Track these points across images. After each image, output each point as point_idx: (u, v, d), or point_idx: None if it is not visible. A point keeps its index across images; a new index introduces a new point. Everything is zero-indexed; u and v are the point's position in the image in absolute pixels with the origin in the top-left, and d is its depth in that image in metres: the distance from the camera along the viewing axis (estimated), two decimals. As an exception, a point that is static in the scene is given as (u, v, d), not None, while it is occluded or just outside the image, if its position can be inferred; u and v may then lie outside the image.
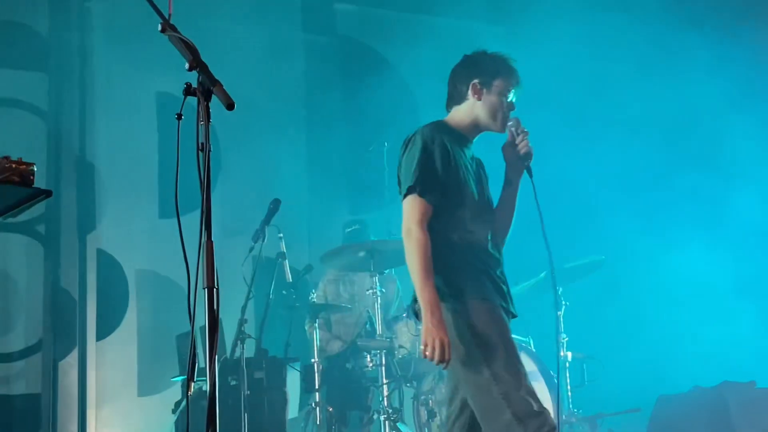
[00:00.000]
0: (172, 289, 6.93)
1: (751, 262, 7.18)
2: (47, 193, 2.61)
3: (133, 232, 7.08)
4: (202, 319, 2.29)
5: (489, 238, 3.60)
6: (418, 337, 5.89)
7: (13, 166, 2.52)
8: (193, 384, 2.37)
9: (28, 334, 6.70)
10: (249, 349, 5.62)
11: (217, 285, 2.30)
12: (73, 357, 6.72)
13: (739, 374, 5.92)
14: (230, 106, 2.29)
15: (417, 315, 3.45)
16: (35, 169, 2.55)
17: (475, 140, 3.75)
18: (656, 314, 7.29)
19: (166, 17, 2.44)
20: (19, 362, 6.67)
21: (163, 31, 2.43)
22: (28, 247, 6.79)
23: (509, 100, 3.67)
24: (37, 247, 6.83)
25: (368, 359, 5.87)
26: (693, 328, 7.06)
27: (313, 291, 6.39)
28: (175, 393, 6.47)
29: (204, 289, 2.29)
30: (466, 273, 3.47)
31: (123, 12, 7.06)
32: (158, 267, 7.05)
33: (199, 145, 2.34)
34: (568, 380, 6.15)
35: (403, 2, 8.22)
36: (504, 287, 3.59)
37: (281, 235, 5.98)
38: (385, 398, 5.67)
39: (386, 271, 6.40)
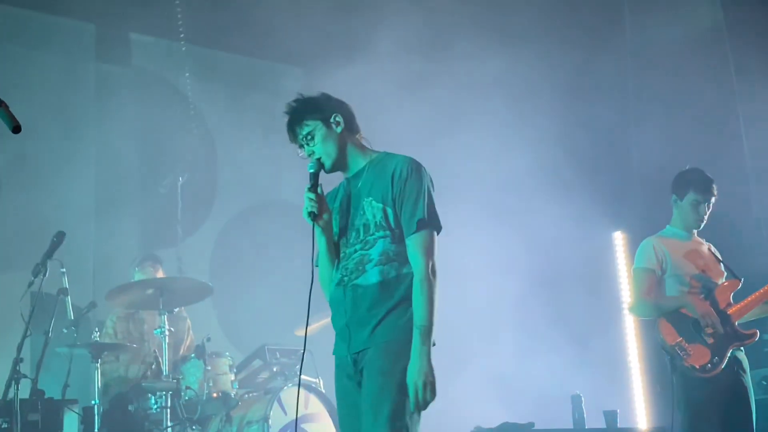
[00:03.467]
0: (-61, 326, 6.46)
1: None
2: None
3: None
4: (-26, 357, 2.15)
5: None
6: (206, 378, 5.80)
7: None
8: (-41, 428, 2.21)
9: None
10: (24, 390, 5.33)
11: (-8, 320, 2.17)
12: None
13: (521, 414, 6.11)
14: (16, 128, 2.17)
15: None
16: None
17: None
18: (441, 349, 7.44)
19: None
20: None
21: (-59, 45, 2.27)
22: None
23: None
24: None
25: (153, 401, 5.69)
26: (479, 366, 7.27)
27: (97, 329, 6.11)
28: (-62, 437, 6.00)
29: (-23, 325, 2.15)
30: None
31: None
32: (-76, 301, 6.55)
33: (-23, 169, 2.20)
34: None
35: (200, 36, 8.12)
36: None
37: (64, 269, 5.71)
38: (170, 441, 5.51)
39: (176, 310, 6.24)
